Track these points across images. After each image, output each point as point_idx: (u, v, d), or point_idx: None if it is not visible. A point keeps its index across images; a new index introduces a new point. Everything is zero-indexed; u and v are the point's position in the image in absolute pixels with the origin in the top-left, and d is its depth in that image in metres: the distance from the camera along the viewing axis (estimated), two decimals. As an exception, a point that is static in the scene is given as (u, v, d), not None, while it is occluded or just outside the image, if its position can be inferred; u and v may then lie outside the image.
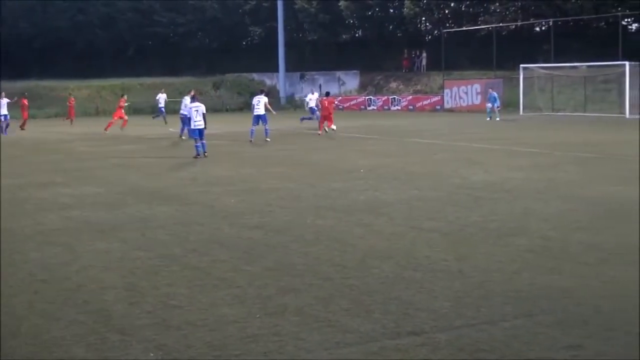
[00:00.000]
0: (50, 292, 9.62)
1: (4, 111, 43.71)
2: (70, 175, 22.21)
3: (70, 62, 78.20)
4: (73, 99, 55.78)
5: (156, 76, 73.08)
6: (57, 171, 23.38)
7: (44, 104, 65.02)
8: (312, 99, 48.84)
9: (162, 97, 50.28)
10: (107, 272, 10.51)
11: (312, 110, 49.62)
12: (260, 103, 33.27)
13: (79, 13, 79.10)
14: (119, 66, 78.01)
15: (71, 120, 52.89)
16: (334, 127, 36.40)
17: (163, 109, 49.23)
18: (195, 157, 26.23)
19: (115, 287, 9.75)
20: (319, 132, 36.70)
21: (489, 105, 48.72)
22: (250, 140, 32.68)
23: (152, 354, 7.35)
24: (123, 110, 44.28)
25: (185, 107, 35.18)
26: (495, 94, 49.43)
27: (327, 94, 39.45)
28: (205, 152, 26.53)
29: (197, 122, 26.96)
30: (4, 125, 43.43)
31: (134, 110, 63.94)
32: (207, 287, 9.68)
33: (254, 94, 67.98)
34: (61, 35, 78.44)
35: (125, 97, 46.65)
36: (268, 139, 32.31)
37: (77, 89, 68.88)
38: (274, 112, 34.12)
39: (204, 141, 26.73)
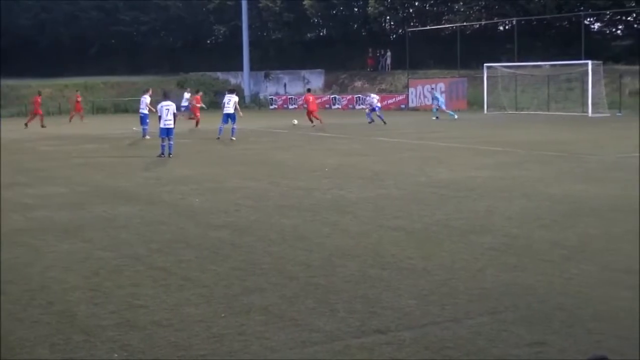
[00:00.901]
0: (14, 292, 9.54)
1: None
2: (34, 175, 22.03)
3: (34, 60, 77.47)
4: (79, 95, 54.56)
5: (120, 75, 72.70)
6: (20, 171, 23.17)
7: (7, 104, 64.43)
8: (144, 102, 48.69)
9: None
10: (71, 273, 10.44)
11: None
12: (230, 102, 33.55)
13: (42, 11, 78.39)
14: (83, 65, 77.43)
15: (81, 116, 51.87)
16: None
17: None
18: (160, 157, 26.09)
19: (80, 287, 9.70)
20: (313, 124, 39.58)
21: (434, 103, 49.49)
22: (218, 137, 32.93)
23: (116, 355, 7.33)
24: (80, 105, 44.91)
25: (147, 106, 35.07)
26: (437, 94, 50.36)
27: (309, 90, 41.60)
28: (170, 153, 26.31)
29: (167, 121, 26.73)
30: None
31: (97, 109, 63.59)
32: (172, 286, 9.65)
33: (218, 93, 67.87)
34: (25, 33, 77.69)
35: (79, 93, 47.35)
36: (233, 138, 32.40)
37: (40, 88, 68.30)
38: (241, 114, 33.99)
39: (171, 142, 26.53)
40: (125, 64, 78.24)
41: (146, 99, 35.33)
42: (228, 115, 33.36)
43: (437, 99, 49.91)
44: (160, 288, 9.57)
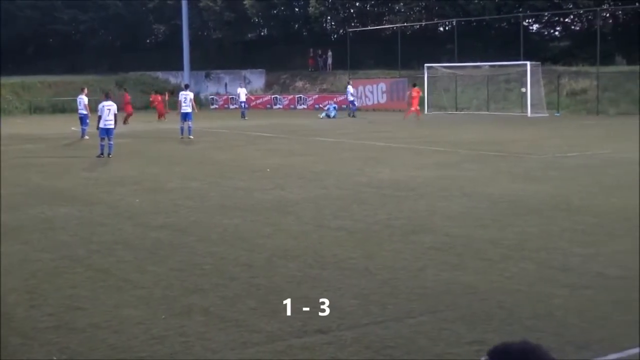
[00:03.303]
0: (-52, 296, 9.35)
1: None
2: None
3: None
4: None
5: (58, 74, 71.79)
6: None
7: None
8: (241, 93, 52.41)
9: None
10: (8, 275, 10.26)
11: (242, 104, 51.91)
12: (187, 100, 33.69)
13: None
14: (20, 64, 76.30)
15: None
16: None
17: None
18: (99, 157, 25.81)
19: (17, 289, 9.54)
20: None
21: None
22: (182, 137, 33.15)
23: (55, 357, 7.23)
24: None
25: (86, 106, 34.59)
26: (334, 105, 53.98)
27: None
28: (110, 153, 26.03)
29: (108, 121, 26.41)
30: None
31: (34, 109, 62.73)
32: (111, 288, 9.55)
33: (158, 92, 67.30)
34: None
35: None
36: (191, 137, 32.81)
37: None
38: (196, 110, 34.20)
39: (111, 142, 26.24)
40: (64, 63, 77.28)
41: (83, 99, 34.83)
42: (186, 115, 33.40)
43: (333, 109, 52.75)
44: (99, 290, 9.46)
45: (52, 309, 8.71)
